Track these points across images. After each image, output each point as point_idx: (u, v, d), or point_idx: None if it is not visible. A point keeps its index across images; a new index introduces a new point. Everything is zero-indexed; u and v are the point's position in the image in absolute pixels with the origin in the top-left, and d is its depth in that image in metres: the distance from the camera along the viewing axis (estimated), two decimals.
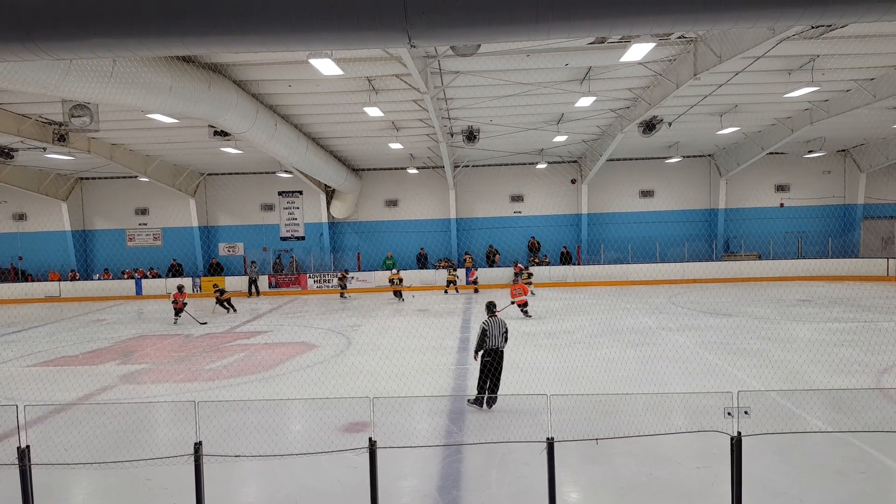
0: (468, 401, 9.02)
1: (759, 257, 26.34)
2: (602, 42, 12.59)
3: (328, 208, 27.80)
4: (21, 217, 28.18)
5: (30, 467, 4.96)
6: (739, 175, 26.38)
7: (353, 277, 24.55)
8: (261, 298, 24.79)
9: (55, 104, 14.93)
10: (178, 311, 18.28)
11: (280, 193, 28.33)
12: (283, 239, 28.53)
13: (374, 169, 27.96)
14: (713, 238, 27.09)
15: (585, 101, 16.45)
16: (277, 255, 28.15)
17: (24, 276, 27.69)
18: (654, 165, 27.27)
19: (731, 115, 19.59)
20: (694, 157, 27.09)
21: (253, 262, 26.68)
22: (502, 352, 8.94)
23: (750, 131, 22.79)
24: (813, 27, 11.50)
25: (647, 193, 27.87)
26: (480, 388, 8.89)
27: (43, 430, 8.31)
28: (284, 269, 27.57)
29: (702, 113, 18.89)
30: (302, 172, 24.34)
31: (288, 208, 28.47)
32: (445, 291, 23.96)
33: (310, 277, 25.94)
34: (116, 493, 6.50)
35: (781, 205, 27.46)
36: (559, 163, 26.90)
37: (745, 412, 4.89)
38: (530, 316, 17.07)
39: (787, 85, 15.70)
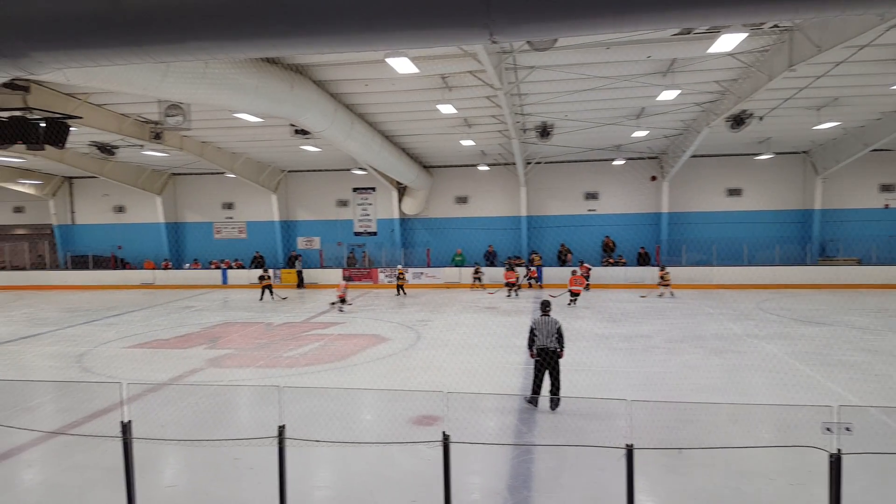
0: (524, 398, 8.93)
1: (860, 262, 24.34)
2: (688, 33, 12.00)
3: (400, 205, 28.18)
4: (121, 209, 30.56)
5: (131, 440, 5.27)
6: (838, 173, 24.47)
7: (403, 273, 24.38)
8: (305, 291, 25.58)
9: (152, 104, 16.08)
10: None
11: (354, 190, 28.99)
12: (357, 234, 29.20)
13: (445, 166, 28.05)
14: (807, 241, 25.27)
15: (668, 95, 15.75)
16: (351, 249, 28.82)
17: (122, 264, 29.89)
18: (742, 162, 25.78)
19: (831, 108, 18.19)
20: (787, 153, 25.36)
21: (298, 256, 27.65)
22: (554, 351, 8.72)
23: (851, 126, 21.11)
24: None
25: (734, 192, 26.40)
26: (534, 387, 8.81)
27: (141, 407, 8.88)
28: (357, 263, 28.19)
29: (797, 107, 17.65)
30: (375, 169, 24.78)
31: (361, 204, 29.10)
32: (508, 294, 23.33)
33: (381, 272, 26.38)
34: (206, 470, 6.90)
35: (886, 206, 25.28)
36: (638, 159, 25.94)
37: (847, 429, 4.49)
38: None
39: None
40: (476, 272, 24.58)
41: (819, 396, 8.89)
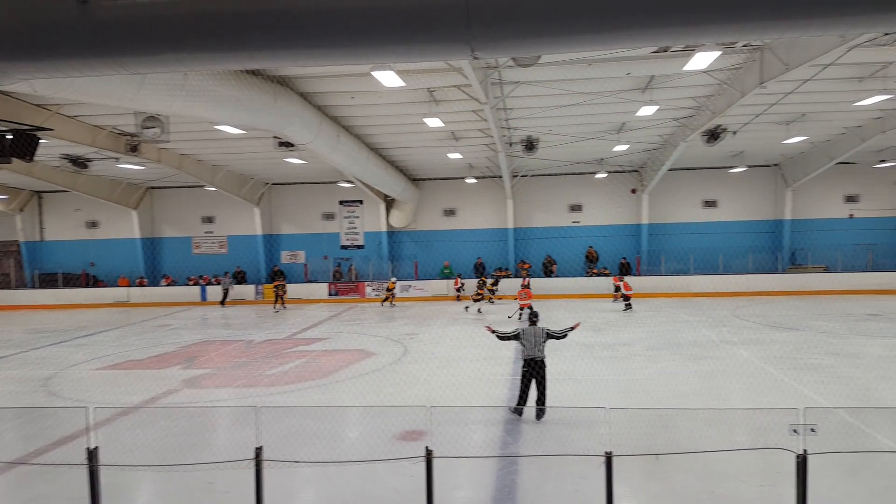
0: (510, 409, 9.06)
1: (827, 270, 25.10)
2: (665, 51, 12.41)
3: (387, 217, 28.23)
4: (94, 224, 29.62)
5: (98, 468, 5.14)
6: (806, 185, 25.28)
7: (392, 287, 24.18)
8: (231, 309, 24.96)
9: (128, 116, 15.51)
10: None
11: (341, 203, 28.97)
12: (343, 247, 29.12)
13: (433, 179, 28.23)
14: (778, 250, 25.96)
15: (647, 110, 16.21)
16: (337, 263, 28.79)
17: (95, 282, 28.90)
18: (717, 175, 26.43)
19: (799, 123, 18.84)
20: (759, 166, 26.08)
21: (226, 273, 27.05)
22: (541, 361, 8.86)
23: (818, 140, 21.83)
24: (886, 34, 11.02)
25: (710, 203, 27.03)
26: (520, 398, 8.93)
27: (110, 432, 8.57)
28: (344, 277, 28.17)
29: (768, 122, 18.23)
30: (362, 182, 24.85)
31: (348, 217, 29.07)
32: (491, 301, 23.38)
33: (368, 286, 26.39)
34: (179, 496, 6.68)
35: (851, 216, 26.14)
36: (619, 172, 26.45)
37: (812, 430, 4.75)
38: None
39: (858, 93, 15.12)
40: (480, 283, 23.44)
41: (789, 399, 9.18)
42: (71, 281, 28.43)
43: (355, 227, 29.01)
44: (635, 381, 10.92)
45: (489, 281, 23.50)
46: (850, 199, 26.22)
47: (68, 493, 6.45)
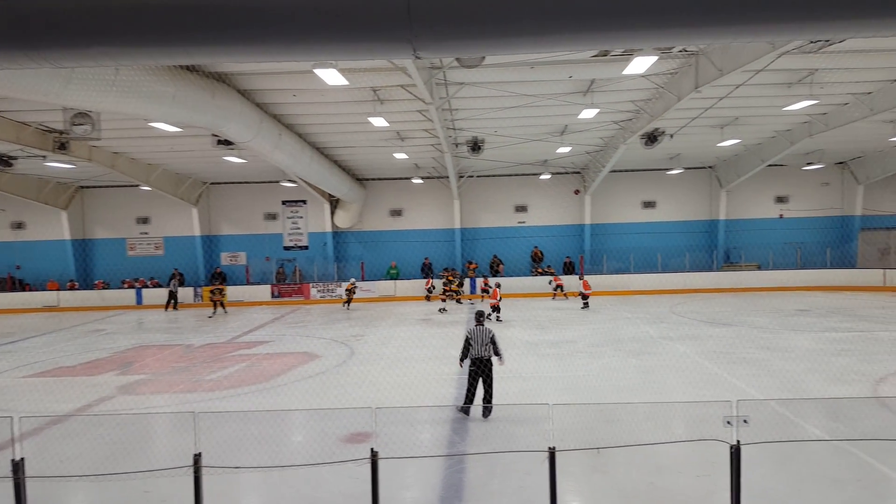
0: (457, 408, 9.08)
1: (759, 268, 26.38)
2: (605, 55, 12.72)
3: (332, 218, 27.86)
4: (19, 226, 27.97)
5: (24, 480, 4.89)
6: (740, 186, 26.49)
7: (352, 287, 23.93)
8: (179, 312, 24.16)
9: (56, 112, 14.74)
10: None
11: (284, 203, 28.39)
12: (287, 248, 28.55)
13: (379, 179, 28.06)
14: (714, 249, 27.13)
15: (588, 113, 16.57)
16: (280, 264, 28.19)
17: (21, 286, 27.38)
18: (656, 177, 27.38)
19: (732, 127, 19.71)
20: (695, 168, 27.20)
21: (174, 275, 26.01)
22: (488, 360, 8.95)
23: (750, 143, 22.91)
24: (812, 42, 11.63)
25: (648, 204, 27.97)
26: (467, 397, 8.97)
27: (39, 443, 8.21)
28: (287, 278, 27.60)
29: (703, 125, 19.00)
30: (306, 182, 24.42)
31: (292, 217, 28.51)
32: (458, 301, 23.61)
33: (313, 287, 25.96)
34: None
35: (781, 216, 27.57)
36: (563, 174, 27.02)
37: (745, 421, 4.94)
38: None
39: (787, 98, 15.85)
40: (445, 283, 23.85)
41: (724, 392, 9.54)
42: None
43: (299, 228, 28.47)
44: (579, 377, 11.14)
45: (455, 281, 23.69)
46: (781, 199, 27.64)
47: None
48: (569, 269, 26.53)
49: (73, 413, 9.97)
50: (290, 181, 25.77)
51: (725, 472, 5.13)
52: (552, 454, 5.08)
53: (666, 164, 26.07)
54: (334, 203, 27.69)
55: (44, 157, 19.38)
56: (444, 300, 22.42)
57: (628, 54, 12.08)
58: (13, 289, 27.08)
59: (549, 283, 24.11)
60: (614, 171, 24.47)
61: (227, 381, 12.00)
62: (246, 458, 7.03)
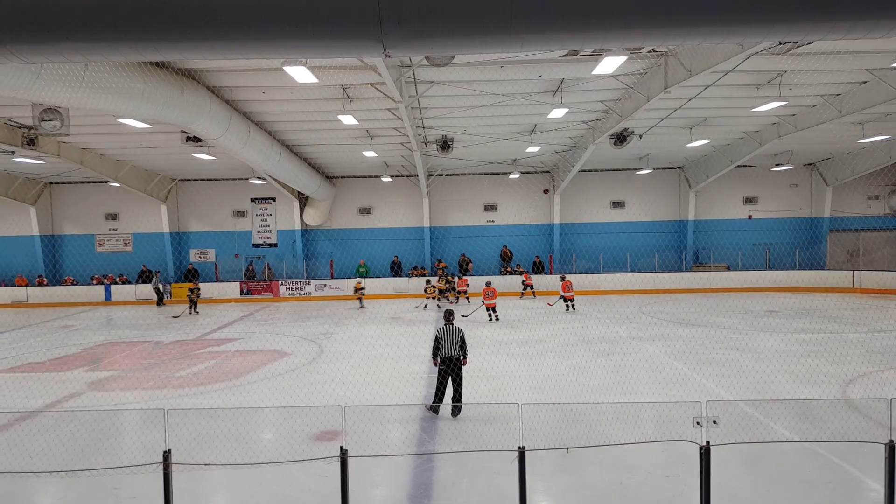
0: (426, 407, 9.06)
1: (728, 268, 26.85)
2: (574, 55, 12.78)
3: (301, 215, 27.59)
4: None
5: None
6: (708, 187, 26.94)
7: (360, 286, 23.48)
8: (162, 308, 24.12)
9: (24, 107, 14.65)
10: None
11: (253, 200, 28.03)
12: (256, 246, 28.20)
13: (348, 177, 27.87)
14: (683, 249, 27.54)
15: (558, 113, 16.66)
16: (250, 261, 27.80)
17: None
18: (625, 177, 27.66)
19: (701, 128, 20.02)
20: (664, 168, 27.56)
21: (157, 271, 25.98)
22: (458, 359, 8.96)
23: (719, 144, 23.29)
24: (780, 43, 11.84)
25: (618, 204, 28.27)
26: (436, 395, 8.97)
27: (7, 438, 8.17)
28: (257, 275, 27.23)
29: (672, 126, 19.27)
30: (275, 179, 24.13)
31: (261, 215, 28.16)
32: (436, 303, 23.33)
33: (282, 284, 25.66)
34: (83, 502, 6.40)
35: (750, 217, 28.08)
36: (532, 173, 27.16)
37: (714, 422, 4.99)
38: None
39: (756, 99, 16.07)
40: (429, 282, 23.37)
41: (693, 392, 9.68)
42: None
43: (268, 225, 28.14)
44: (548, 376, 11.20)
45: (445, 278, 23.69)
46: (749, 200, 28.10)
47: None
48: (538, 268, 26.69)
49: (43, 409, 9.90)
50: (259, 178, 25.44)
51: (695, 473, 5.18)
52: (522, 454, 5.07)
53: (635, 164, 26.35)
54: (304, 201, 27.44)
55: (12, 152, 19.00)
56: (438, 298, 22.53)
57: (598, 54, 12.15)
58: None
59: (522, 283, 24.22)
60: (583, 171, 24.71)
61: (197, 378, 11.93)
62: (216, 454, 6.95)
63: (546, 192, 27.82)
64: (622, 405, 8.11)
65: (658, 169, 27.03)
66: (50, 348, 15.42)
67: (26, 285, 26.05)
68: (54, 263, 27.56)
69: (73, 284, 26.34)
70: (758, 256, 26.98)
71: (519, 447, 5.12)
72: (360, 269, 26.59)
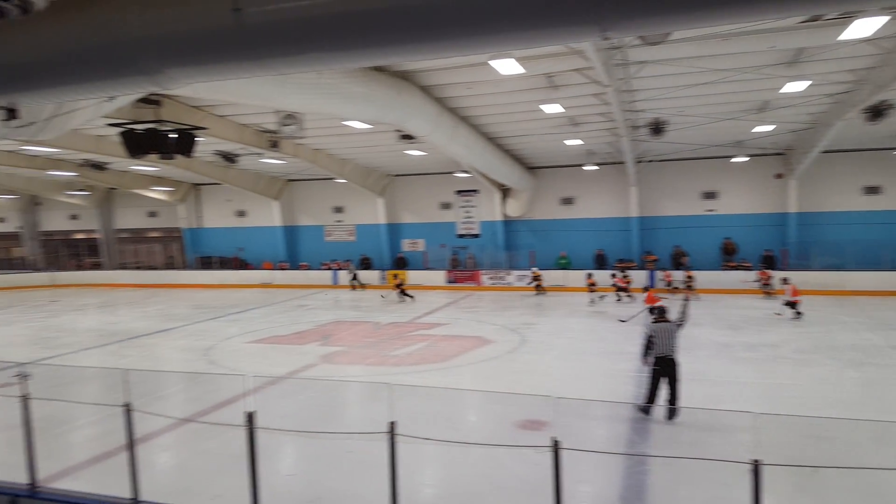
0: (636, 407, 8.52)
1: None
2: (816, 20, 11.02)
3: (503, 207, 28.10)
4: (242, 214, 32.90)
5: (255, 430, 5.62)
6: None
7: (539, 276, 23.88)
8: (365, 292, 26.12)
9: (269, 115, 17.26)
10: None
11: (457, 192, 29.27)
12: (460, 236, 29.46)
13: (549, 167, 27.57)
14: None
15: (795, 87, 14.59)
16: (454, 251, 29.15)
17: (244, 265, 32.20)
18: (882, 157, 23.16)
19: None
20: None
21: (348, 260, 28.47)
22: (673, 359, 8.31)
23: None
24: None
25: (872, 190, 23.84)
26: (648, 397, 8.44)
27: (261, 399, 9.42)
28: (461, 265, 28.45)
29: None
30: (478, 172, 24.91)
31: (465, 206, 29.33)
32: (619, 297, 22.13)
33: (484, 274, 26.43)
34: (322, 461, 7.26)
35: None
36: (761, 156, 24.10)
37: None
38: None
39: None
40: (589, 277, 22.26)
41: None
42: (225, 263, 32.03)
43: (471, 217, 29.18)
44: (780, 385, 9.93)
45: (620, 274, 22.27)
46: None
47: (229, 450, 7.11)
48: (769, 263, 23.51)
49: (287, 376, 11.56)
50: (463, 171, 26.48)
51: None
52: (756, 467, 4.48)
53: (894, 143, 22.01)
54: (505, 192, 27.88)
55: (260, 154, 22.44)
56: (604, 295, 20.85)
57: (846, 17, 10.31)
58: (238, 267, 31.87)
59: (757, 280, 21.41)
60: (827, 152, 21.21)
61: (410, 358, 12.93)
62: (428, 430, 7.34)
63: (779, 176, 24.48)
64: (880, 424, 6.82)
65: None
66: (290, 324, 17.87)
67: (272, 269, 30.57)
68: (293, 250, 31.91)
69: (307, 269, 30.24)
70: None
71: (753, 460, 4.53)
72: (561, 261, 26.28)
